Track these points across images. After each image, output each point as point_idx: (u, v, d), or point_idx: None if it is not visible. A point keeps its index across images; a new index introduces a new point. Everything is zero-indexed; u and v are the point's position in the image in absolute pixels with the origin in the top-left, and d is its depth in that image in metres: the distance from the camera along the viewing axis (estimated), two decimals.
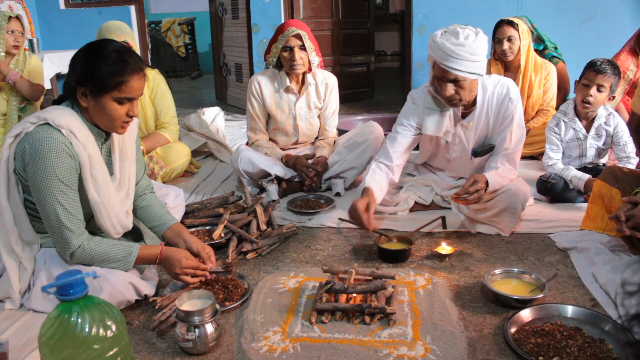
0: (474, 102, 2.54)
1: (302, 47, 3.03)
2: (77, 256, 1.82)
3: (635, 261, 2.00)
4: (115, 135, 1.99)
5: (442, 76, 2.36)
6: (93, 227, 1.99)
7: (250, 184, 3.15)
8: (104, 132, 1.93)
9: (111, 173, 1.98)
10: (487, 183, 2.43)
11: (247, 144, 3.36)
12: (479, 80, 2.47)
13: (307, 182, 3.06)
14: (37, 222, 1.92)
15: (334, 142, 3.33)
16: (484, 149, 2.63)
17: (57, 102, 1.94)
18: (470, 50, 2.27)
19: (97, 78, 1.77)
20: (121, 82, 1.79)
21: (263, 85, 3.20)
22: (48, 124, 1.78)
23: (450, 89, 2.37)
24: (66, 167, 1.78)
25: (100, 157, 1.89)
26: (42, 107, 3.69)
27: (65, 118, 1.80)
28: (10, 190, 1.86)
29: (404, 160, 2.72)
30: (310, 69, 3.15)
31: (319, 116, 3.32)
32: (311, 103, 3.24)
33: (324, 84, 3.24)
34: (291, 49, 3.02)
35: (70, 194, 1.80)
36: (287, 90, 3.19)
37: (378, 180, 2.54)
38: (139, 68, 1.83)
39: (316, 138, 3.41)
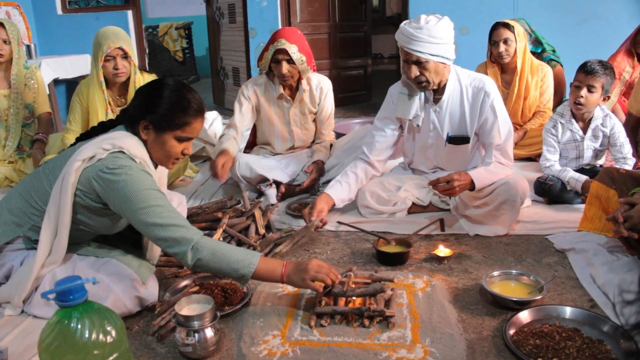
0: (444, 87, 2.64)
1: (290, 61, 3.00)
2: (201, 250, 1.75)
3: (632, 262, 2.01)
4: (159, 168, 2.05)
5: (406, 59, 2.52)
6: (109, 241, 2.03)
7: (249, 188, 3.15)
8: (154, 163, 1.99)
9: None
10: (472, 183, 2.47)
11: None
12: (452, 68, 2.64)
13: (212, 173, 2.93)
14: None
15: (331, 145, 3.32)
16: (458, 137, 2.70)
17: (109, 125, 2.00)
18: (428, 33, 2.42)
19: (164, 115, 1.85)
20: (186, 123, 1.88)
21: (259, 92, 3.19)
22: (122, 152, 1.83)
23: (415, 70, 2.51)
24: (151, 180, 1.83)
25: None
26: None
27: (138, 149, 1.87)
28: (70, 214, 1.85)
29: (387, 155, 2.87)
30: (302, 77, 3.13)
31: (314, 120, 3.32)
32: (306, 109, 3.24)
33: (319, 89, 3.23)
34: (279, 62, 3.00)
35: (164, 198, 1.83)
36: (281, 97, 3.19)
37: (345, 181, 2.74)
38: (202, 110, 1.93)
39: (313, 142, 3.41)
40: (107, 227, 2.00)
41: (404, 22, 2.53)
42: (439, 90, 2.66)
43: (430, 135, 2.76)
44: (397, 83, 2.81)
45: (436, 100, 2.69)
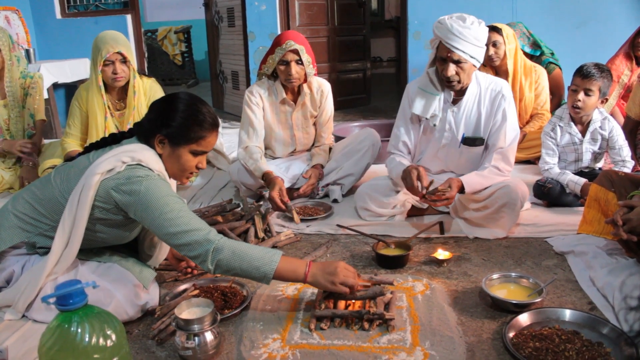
0: (466, 89, 2.63)
1: (299, 62, 3.01)
2: (221, 250, 1.75)
3: (632, 265, 2.01)
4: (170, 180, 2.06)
5: (446, 56, 2.48)
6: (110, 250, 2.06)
7: (248, 193, 3.15)
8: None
9: None
10: (462, 187, 2.49)
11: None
12: (474, 71, 2.62)
13: (274, 207, 2.85)
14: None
15: (330, 148, 3.32)
16: (473, 138, 2.69)
17: (119, 136, 2.00)
18: (475, 34, 2.42)
19: (179, 129, 1.87)
20: (201, 137, 1.90)
21: (263, 97, 3.17)
22: (141, 164, 1.84)
23: (452, 69, 2.49)
24: (170, 187, 1.85)
25: None
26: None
27: (156, 162, 1.89)
28: (85, 225, 1.86)
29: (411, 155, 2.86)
30: (305, 80, 3.14)
31: (314, 124, 3.33)
32: (307, 113, 3.24)
33: (319, 92, 3.23)
34: (288, 63, 2.99)
35: (183, 203, 1.84)
36: (283, 102, 3.18)
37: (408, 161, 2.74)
38: (217, 124, 1.94)
39: (313, 145, 3.41)
40: (121, 237, 2.02)
41: (446, 17, 2.49)
42: (460, 92, 2.66)
43: (444, 135, 2.74)
44: (415, 81, 2.78)
45: (454, 102, 2.69)
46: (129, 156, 1.84)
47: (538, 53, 4.15)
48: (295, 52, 2.98)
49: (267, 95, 3.18)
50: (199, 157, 1.94)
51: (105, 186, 1.82)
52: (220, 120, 4.55)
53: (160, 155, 1.92)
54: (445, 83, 2.58)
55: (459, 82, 2.54)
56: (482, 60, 2.52)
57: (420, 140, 2.86)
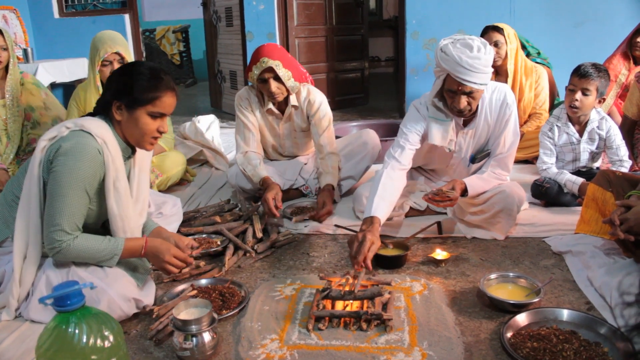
0: (476, 110, 2.52)
1: (277, 77, 2.88)
2: (62, 253, 1.83)
3: (629, 265, 2.01)
4: (138, 153, 2.06)
5: (457, 89, 2.32)
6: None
7: (247, 196, 3.12)
8: (131, 148, 2.01)
9: (130, 189, 2.02)
10: (465, 189, 2.46)
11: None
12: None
13: (266, 211, 2.73)
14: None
15: (339, 165, 3.08)
16: (481, 155, 2.64)
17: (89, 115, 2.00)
18: (484, 63, 2.26)
19: (133, 92, 1.87)
20: (156, 97, 1.89)
21: (252, 103, 3.10)
22: (84, 130, 1.85)
23: (464, 100, 2.34)
24: (92, 173, 1.84)
25: (124, 172, 1.96)
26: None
27: (100, 129, 1.88)
28: (40, 195, 1.86)
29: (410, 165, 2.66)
30: (290, 94, 3.01)
31: (306, 135, 3.24)
32: (295, 124, 3.15)
33: (306, 102, 3.07)
34: (266, 81, 2.87)
35: (84, 199, 1.84)
36: (270, 112, 3.09)
37: (388, 199, 2.39)
38: (172, 86, 1.95)
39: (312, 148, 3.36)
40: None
41: (447, 44, 2.30)
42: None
43: (453, 156, 2.69)
44: (422, 101, 2.62)
45: (464, 123, 2.58)
46: (72, 122, 1.88)
47: (525, 54, 4.13)
48: (270, 69, 2.85)
49: (256, 102, 3.10)
50: (158, 119, 1.94)
51: (49, 154, 1.84)
52: (218, 120, 4.60)
53: (120, 123, 1.93)
54: (457, 113, 2.45)
55: (470, 110, 2.42)
56: (489, 82, 2.39)
57: (426, 153, 2.79)
